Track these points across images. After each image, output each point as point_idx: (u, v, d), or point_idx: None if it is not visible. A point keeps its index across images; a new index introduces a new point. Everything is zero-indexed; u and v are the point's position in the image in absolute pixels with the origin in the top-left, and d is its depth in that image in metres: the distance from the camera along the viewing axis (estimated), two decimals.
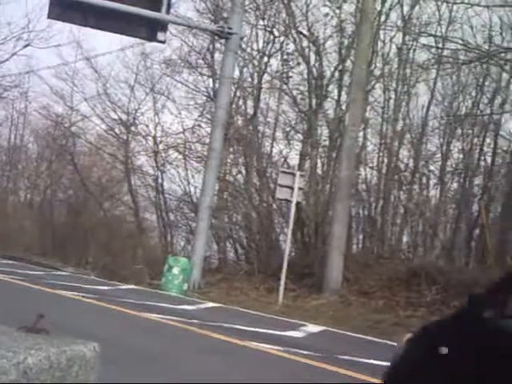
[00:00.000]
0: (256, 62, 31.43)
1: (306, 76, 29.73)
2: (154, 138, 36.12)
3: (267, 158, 31.35)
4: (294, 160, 30.92)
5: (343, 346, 14.81)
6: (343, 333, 17.03)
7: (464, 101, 28.59)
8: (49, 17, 23.29)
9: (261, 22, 31.01)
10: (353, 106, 24.54)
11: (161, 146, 35.92)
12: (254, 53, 31.42)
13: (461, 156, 28.44)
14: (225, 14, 29.44)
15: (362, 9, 25.62)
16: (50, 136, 43.00)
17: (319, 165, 29.56)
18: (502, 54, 23.98)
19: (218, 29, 25.66)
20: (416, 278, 21.48)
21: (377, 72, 28.71)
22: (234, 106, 30.76)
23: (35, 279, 22.51)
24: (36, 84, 54.38)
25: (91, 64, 37.65)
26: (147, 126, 36.71)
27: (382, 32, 28.44)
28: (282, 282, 22.20)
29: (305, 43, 29.62)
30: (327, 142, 29.58)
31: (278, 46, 30.93)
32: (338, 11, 28.71)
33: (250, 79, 31.82)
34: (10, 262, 32.49)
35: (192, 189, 34.13)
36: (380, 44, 28.57)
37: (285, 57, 30.62)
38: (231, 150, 31.67)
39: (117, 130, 38.03)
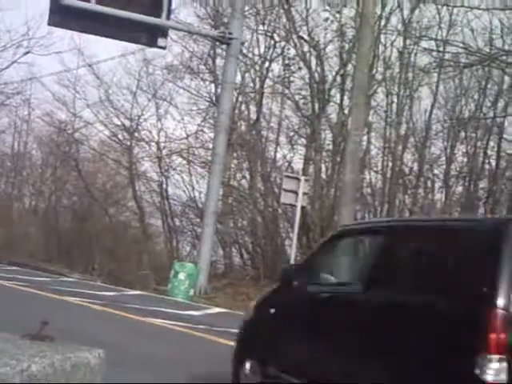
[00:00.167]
0: (257, 67, 31.46)
1: (307, 81, 29.75)
2: (158, 143, 36.15)
3: (271, 162, 31.37)
4: (298, 164, 30.97)
5: None
6: None
7: (467, 104, 28.61)
8: (49, 24, 23.31)
9: (261, 27, 31.09)
10: (355, 110, 24.49)
11: (164, 152, 35.96)
12: (256, 58, 31.48)
13: (465, 159, 28.42)
14: (225, 20, 29.46)
15: (362, 13, 25.58)
16: (54, 142, 43.02)
17: (323, 169, 29.58)
18: (504, 57, 23.96)
19: (219, 34, 25.67)
20: None
21: (379, 76, 28.71)
22: (236, 111, 30.81)
23: (41, 285, 22.54)
24: (39, 91, 54.35)
25: (93, 70, 37.70)
26: (150, 131, 36.76)
27: (382, 36, 28.47)
28: None
29: (306, 48, 29.66)
30: (331, 147, 29.58)
31: (279, 50, 30.99)
32: (338, 16, 28.74)
33: (251, 84, 31.88)
34: (16, 268, 32.54)
35: (197, 194, 34.19)
36: (381, 48, 28.60)
37: (286, 62, 30.67)
38: (235, 155, 31.70)
39: (120, 136, 38.05)
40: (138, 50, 32.14)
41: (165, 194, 35.98)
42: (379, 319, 7.00)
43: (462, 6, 24.51)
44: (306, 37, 29.52)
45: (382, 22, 28.01)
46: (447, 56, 25.01)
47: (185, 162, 34.78)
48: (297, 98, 30.40)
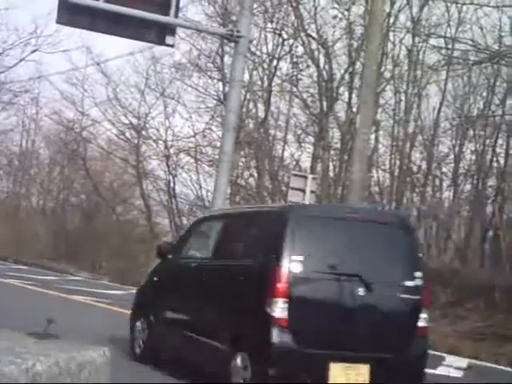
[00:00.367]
0: (266, 65, 31.40)
1: (316, 79, 29.67)
2: (165, 142, 36.11)
3: (279, 161, 31.31)
4: (305, 163, 30.91)
5: None
6: None
7: (475, 102, 28.52)
8: (57, 22, 23.12)
9: (269, 25, 31.01)
10: (363, 108, 24.36)
11: (172, 150, 35.92)
12: (264, 56, 31.40)
13: (473, 157, 28.33)
14: (233, 18, 29.38)
15: (370, 10, 25.50)
16: (62, 141, 43.04)
17: (331, 167, 29.50)
18: None
19: (227, 32, 25.48)
20: (430, 280, 21.34)
21: (387, 74, 28.63)
22: (244, 109, 30.73)
23: (48, 284, 22.57)
24: (47, 89, 54.55)
25: (101, 69, 37.67)
26: (158, 130, 36.68)
27: (391, 34, 28.40)
28: None
29: (314, 46, 29.57)
30: (339, 145, 29.52)
31: (287, 48, 30.91)
32: (346, 13, 28.66)
33: (259, 82, 31.82)
34: (23, 267, 32.59)
35: (204, 192, 34.14)
36: (390, 46, 28.54)
37: (294, 60, 30.58)
38: (242, 153, 31.64)
39: (128, 135, 38.01)
40: (146, 48, 32.06)
41: (172, 192, 35.95)
42: (216, 276, 10.05)
43: (472, 3, 24.42)
44: (314, 35, 29.45)
45: (391, 20, 27.94)
46: (456, 53, 24.91)
47: (192, 160, 34.75)
48: (305, 96, 30.36)
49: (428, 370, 12.45)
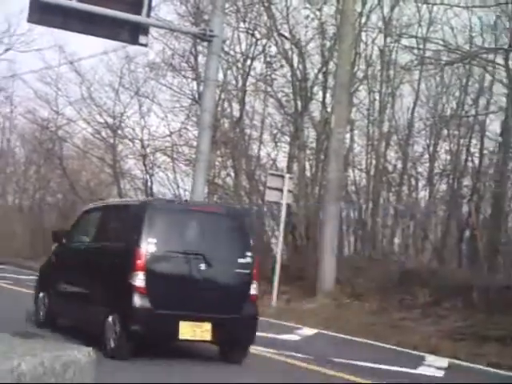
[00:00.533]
0: (240, 65, 31.39)
1: (290, 78, 29.71)
2: (142, 141, 36.07)
3: (255, 160, 31.35)
4: (282, 162, 30.95)
5: (338, 349, 14.89)
6: (337, 335, 17.09)
7: (448, 102, 28.67)
8: (29, 21, 23.03)
9: (242, 25, 30.95)
10: (338, 107, 24.56)
11: (148, 150, 35.90)
12: (238, 55, 31.39)
13: (448, 157, 28.51)
14: (206, 17, 29.34)
15: (342, 10, 25.63)
16: (37, 140, 42.86)
17: (307, 167, 29.58)
18: (484, 55, 24.05)
19: (200, 32, 25.51)
20: (408, 280, 21.46)
21: (360, 74, 28.74)
22: (219, 108, 30.73)
23: (26, 283, 22.51)
24: (20, 88, 54.16)
25: (75, 68, 37.56)
26: (134, 129, 36.65)
27: (363, 34, 28.49)
28: (276, 285, 22.17)
29: (287, 45, 29.56)
30: (314, 144, 29.61)
31: (260, 48, 30.82)
32: (318, 13, 28.68)
33: (234, 82, 31.82)
34: (0, 266, 32.45)
35: (182, 192, 34.15)
36: (362, 46, 28.59)
37: (268, 59, 30.59)
38: (219, 152, 31.66)
39: (103, 134, 37.94)
40: (120, 47, 32.03)
41: (150, 191, 35.92)
42: (97, 256, 12.51)
43: (442, 3, 24.61)
44: (287, 34, 29.44)
45: (363, 20, 28.00)
46: (428, 54, 25.07)
47: (169, 159, 34.76)
48: (279, 95, 30.36)
49: (409, 370, 12.67)
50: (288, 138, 30.76)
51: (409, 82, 28.85)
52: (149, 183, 36.02)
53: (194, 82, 32.73)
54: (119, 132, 37.11)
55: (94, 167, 41.58)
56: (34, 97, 40.51)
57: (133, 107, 36.59)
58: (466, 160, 27.84)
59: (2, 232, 41.36)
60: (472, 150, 27.65)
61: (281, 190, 22.52)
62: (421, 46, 25.27)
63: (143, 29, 24.46)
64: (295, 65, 29.42)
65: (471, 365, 14.26)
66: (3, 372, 4.27)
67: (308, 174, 29.48)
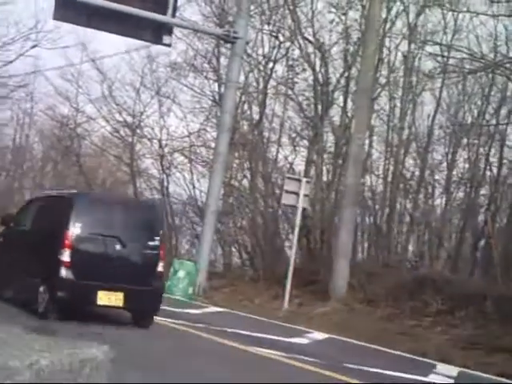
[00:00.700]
0: (261, 67, 31.42)
1: (311, 82, 29.71)
2: (160, 141, 36.12)
3: (273, 163, 31.35)
4: (299, 166, 30.93)
5: (348, 354, 14.83)
6: (348, 341, 17.02)
7: (470, 110, 28.59)
8: (54, 18, 23.23)
9: (266, 27, 31.01)
10: (359, 113, 24.52)
11: (166, 150, 35.95)
12: (260, 58, 31.43)
13: (466, 166, 28.42)
14: (230, 19, 29.41)
15: (367, 16, 25.58)
16: (56, 137, 42.99)
17: (325, 171, 29.55)
18: (508, 64, 23.94)
19: (224, 33, 25.60)
20: (422, 288, 21.34)
21: (382, 80, 28.69)
22: (239, 110, 30.78)
23: None
24: (42, 85, 54.25)
25: (96, 65, 37.65)
26: (153, 128, 36.70)
27: (387, 39, 28.42)
28: (288, 289, 22.14)
29: (310, 49, 29.58)
30: (333, 149, 29.57)
31: (283, 51, 30.90)
32: (343, 18, 28.70)
33: (255, 84, 31.84)
34: None
35: (197, 193, 34.20)
36: (386, 52, 28.56)
37: (290, 62, 30.60)
38: (236, 154, 31.67)
39: (122, 133, 38.02)
40: (143, 46, 32.10)
41: (165, 191, 35.99)
42: (35, 237, 14.74)
43: (468, 11, 24.55)
44: (310, 38, 29.46)
45: (388, 26, 27.96)
46: (451, 61, 24.99)
47: (186, 160, 34.81)
48: (300, 99, 30.38)
49: (419, 378, 12.60)
50: (306, 142, 30.73)
51: (430, 89, 28.79)
52: (165, 183, 36.07)
53: (216, 84, 32.80)
54: (138, 131, 37.17)
55: (111, 165, 41.66)
56: (55, 93, 40.64)
57: (152, 107, 36.70)
58: (485, 169, 27.75)
59: None
60: (491, 159, 27.56)
61: (297, 194, 22.49)
62: (445, 54, 25.19)
63: (167, 29, 24.55)
64: (317, 69, 29.42)
65: (482, 374, 14.19)
66: (22, 367, 4.26)
67: (325, 178, 29.44)
